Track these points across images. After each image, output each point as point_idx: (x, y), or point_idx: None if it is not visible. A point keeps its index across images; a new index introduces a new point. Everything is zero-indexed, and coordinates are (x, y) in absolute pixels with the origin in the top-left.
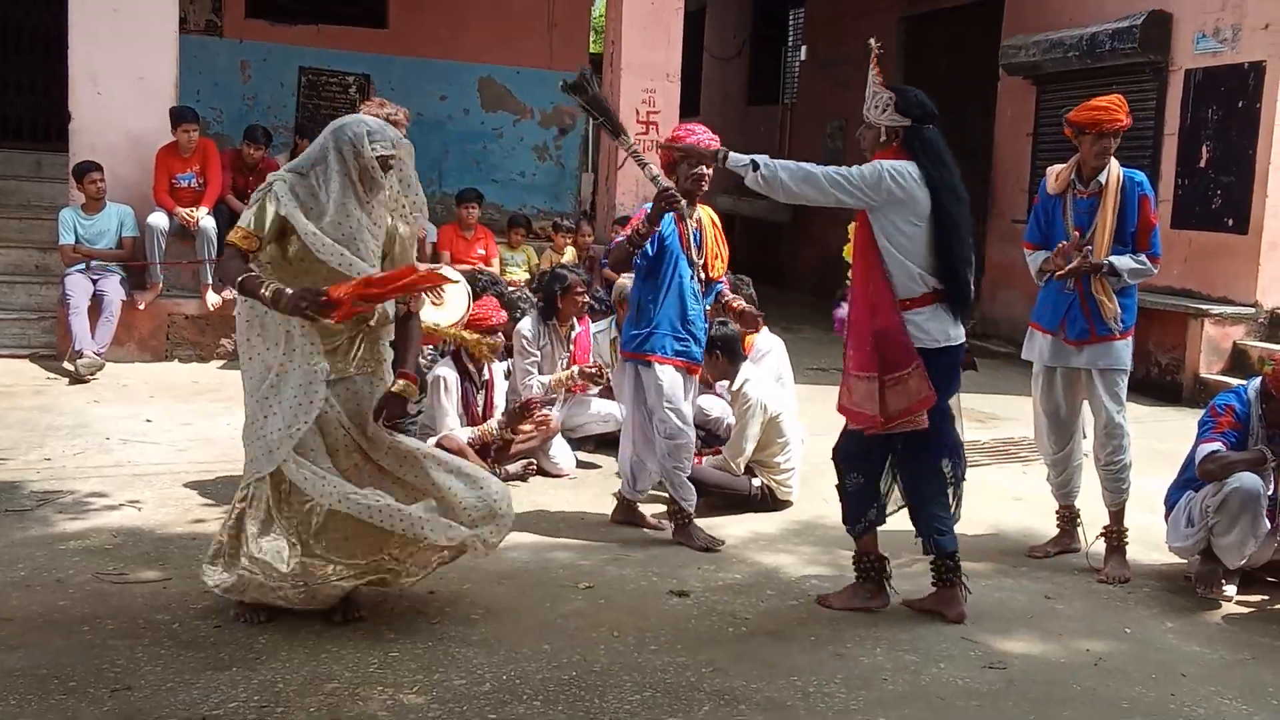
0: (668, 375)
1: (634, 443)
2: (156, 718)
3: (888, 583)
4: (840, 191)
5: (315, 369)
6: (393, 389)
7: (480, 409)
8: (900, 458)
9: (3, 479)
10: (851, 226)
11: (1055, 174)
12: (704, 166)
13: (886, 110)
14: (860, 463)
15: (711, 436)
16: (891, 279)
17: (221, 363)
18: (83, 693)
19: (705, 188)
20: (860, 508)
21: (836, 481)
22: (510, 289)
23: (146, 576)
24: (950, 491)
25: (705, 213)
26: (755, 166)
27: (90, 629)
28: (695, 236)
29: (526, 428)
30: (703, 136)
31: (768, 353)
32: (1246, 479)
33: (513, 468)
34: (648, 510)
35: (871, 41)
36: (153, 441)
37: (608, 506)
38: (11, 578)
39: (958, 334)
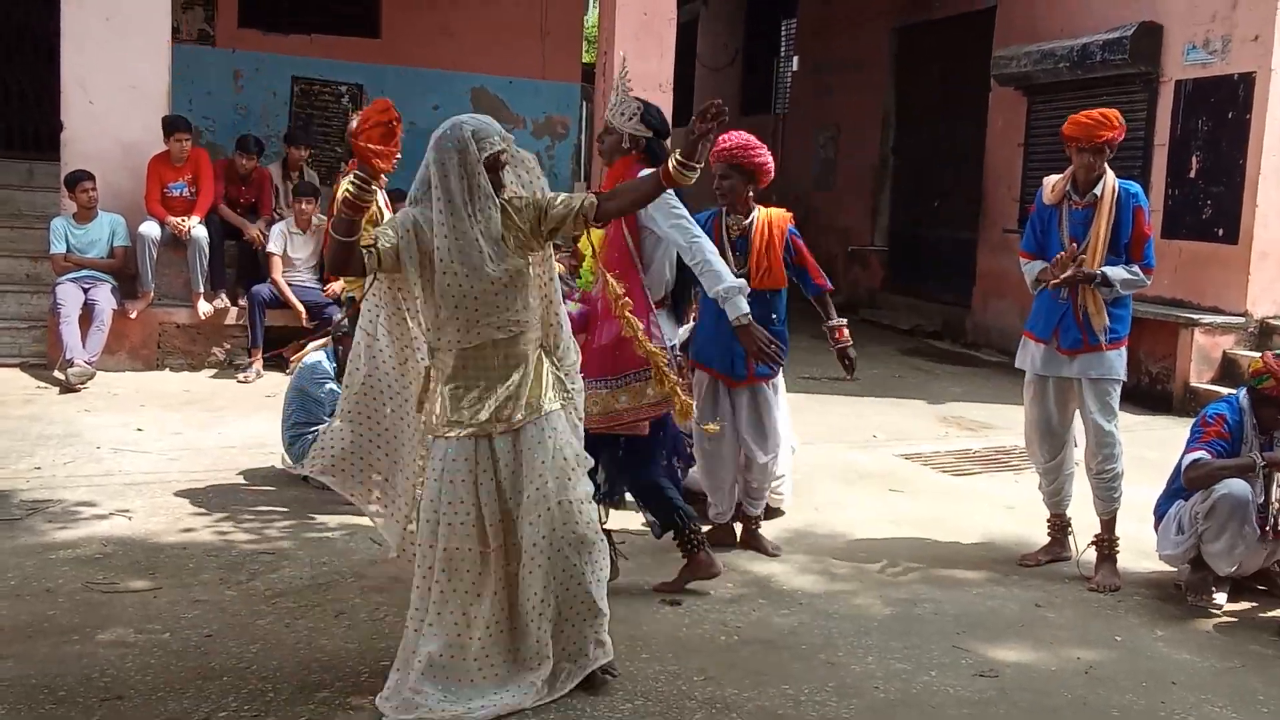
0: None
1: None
2: None
3: (617, 557)
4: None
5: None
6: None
7: None
8: (625, 459)
9: None
10: (598, 234)
11: (1051, 184)
12: (731, 179)
13: (633, 119)
14: None
15: None
16: (648, 287)
17: (213, 372)
18: (73, 702)
19: (732, 198)
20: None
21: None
22: None
23: (136, 586)
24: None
25: (763, 220)
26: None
27: (80, 638)
28: (740, 243)
29: None
30: (735, 143)
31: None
32: (1234, 485)
33: None
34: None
35: (620, 53)
36: (143, 451)
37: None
38: (1, 587)
39: (673, 335)
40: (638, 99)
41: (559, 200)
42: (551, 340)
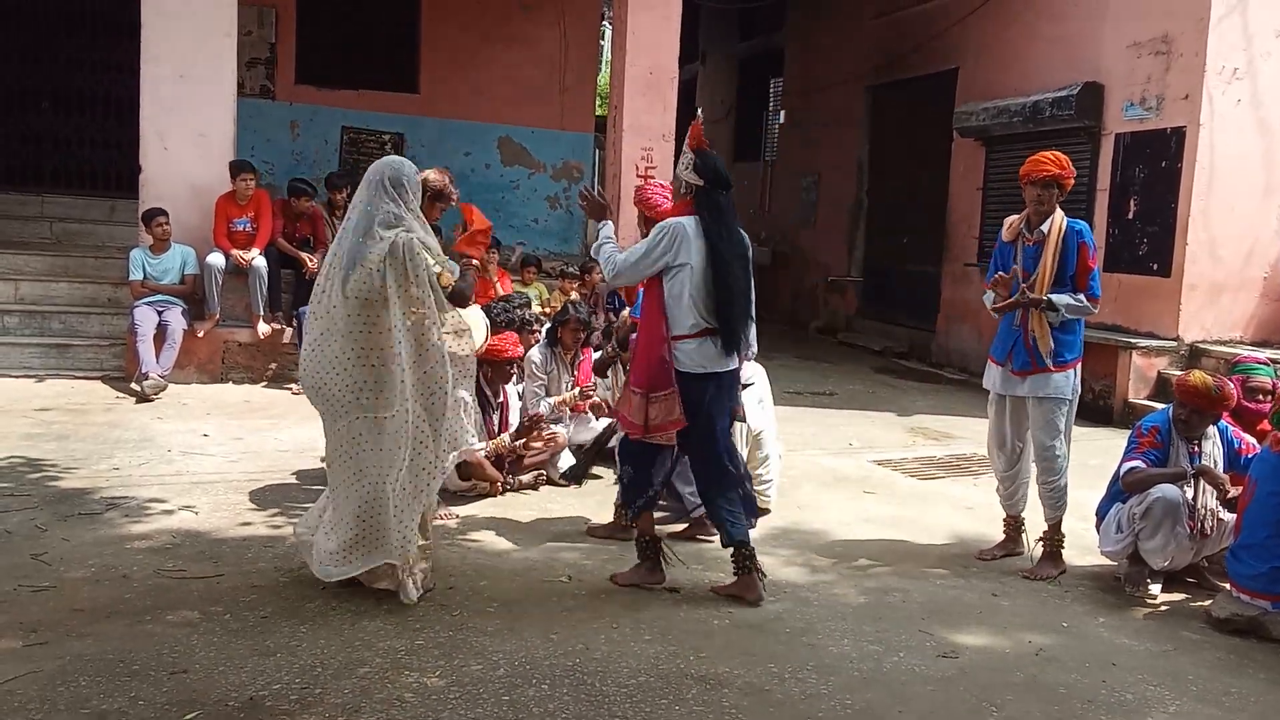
0: None
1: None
2: (209, 697)
3: (665, 562)
4: (645, 267)
5: None
6: None
7: (496, 427)
8: (691, 462)
9: (76, 486)
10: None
11: (1009, 224)
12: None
13: (688, 169)
14: (633, 459)
15: None
16: (668, 316)
17: (270, 384)
18: (145, 675)
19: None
20: (632, 495)
21: (616, 474)
22: (527, 311)
23: (202, 573)
24: (739, 490)
25: None
26: (600, 247)
27: (152, 619)
28: None
29: (538, 445)
30: (654, 192)
31: (751, 379)
32: (1168, 489)
33: (525, 478)
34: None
35: (699, 111)
36: (208, 454)
37: (610, 513)
38: (83, 573)
39: (723, 364)
40: (696, 151)
41: None
42: None
